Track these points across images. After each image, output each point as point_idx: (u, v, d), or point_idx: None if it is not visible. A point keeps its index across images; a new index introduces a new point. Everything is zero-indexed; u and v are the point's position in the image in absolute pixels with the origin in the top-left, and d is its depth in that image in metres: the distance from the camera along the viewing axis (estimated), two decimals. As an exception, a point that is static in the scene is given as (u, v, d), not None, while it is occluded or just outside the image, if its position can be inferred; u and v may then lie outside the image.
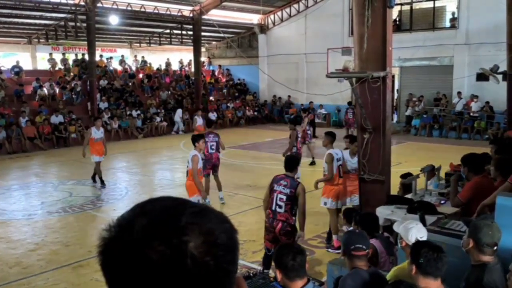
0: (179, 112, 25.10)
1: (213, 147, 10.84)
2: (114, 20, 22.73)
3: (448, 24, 23.29)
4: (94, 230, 8.98)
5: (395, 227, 4.42)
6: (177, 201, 0.89)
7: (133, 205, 0.90)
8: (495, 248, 3.41)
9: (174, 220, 0.83)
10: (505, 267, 3.48)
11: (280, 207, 6.05)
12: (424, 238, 4.06)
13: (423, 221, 5.15)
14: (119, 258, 0.81)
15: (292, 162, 6.28)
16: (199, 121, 17.22)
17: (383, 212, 6.30)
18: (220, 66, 32.49)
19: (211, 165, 10.81)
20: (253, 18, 28.99)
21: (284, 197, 6.04)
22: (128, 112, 23.30)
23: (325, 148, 8.16)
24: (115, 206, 10.77)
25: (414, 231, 4.09)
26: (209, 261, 0.81)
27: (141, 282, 0.80)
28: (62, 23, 22.50)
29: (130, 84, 26.60)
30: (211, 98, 28.75)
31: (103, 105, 23.35)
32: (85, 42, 22.63)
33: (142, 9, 23.48)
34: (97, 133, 12.51)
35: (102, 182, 12.68)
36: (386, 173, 7.22)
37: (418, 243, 3.56)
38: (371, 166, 7.25)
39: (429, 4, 23.16)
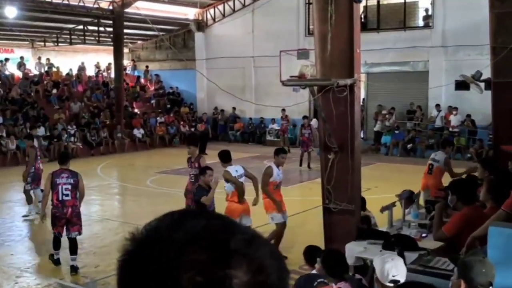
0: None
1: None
2: (11, 12, 22.07)
3: (421, 22, 24.25)
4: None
5: (375, 263, 4.49)
6: (224, 219, 0.88)
7: (166, 213, 0.89)
8: (490, 288, 3.51)
9: (220, 245, 0.81)
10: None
11: (67, 195, 8.73)
12: (399, 278, 4.13)
13: (402, 259, 5.25)
14: (141, 278, 0.81)
15: (64, 156, 9.64)
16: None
17: (353, 249, 6.37)
18: (147, 70, 32.23)
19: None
20: (189, 13, 29.04)
21: (70, 186, 8.77)
22: (29, 129, 22.55)
23: None
24: (13, 249, 10.40)
25: (388, 267, 4.16)
26: None
27: None
28: None
29: (32, 93, 25.86)
30: (135, 110, 28.43)
31: (-4, 120, 22.56)
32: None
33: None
34: (279, 174, 9.53)
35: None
36: (356, 201, 7.34)
37: (407, 285, 3.62)
38: (337, 193, 7.35)
39: (399, -1, 24.08)
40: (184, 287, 0.78)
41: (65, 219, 8.80)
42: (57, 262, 9.23)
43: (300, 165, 20.30)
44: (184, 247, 0.81)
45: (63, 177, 8.81)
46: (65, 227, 8.89)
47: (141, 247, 0.85)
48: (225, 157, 9.35)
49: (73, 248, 8.98)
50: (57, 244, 9.11)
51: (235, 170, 9.11)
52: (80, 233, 9.10)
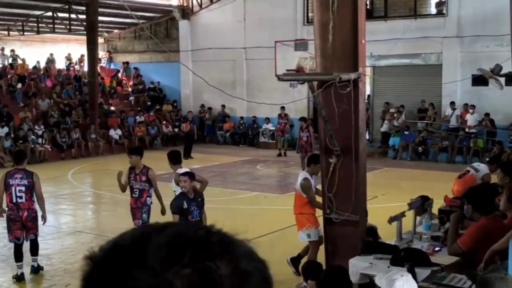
0: None
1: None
2: (-30, -3, 22.03)
3: (434, 10, 24.34)
4: None
5: (378, 281, 4.51)
6: (192, 221, 0.96)
7: (126, 231, 0.93)
8: (512, 309, 3.53)
9: (202, 238, 0.89)
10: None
11: (20, 198, 9.10)
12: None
13: (412, 276, 5.27)
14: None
15: (20, 155, 9.93)
16: None
17: (358, 265, 6.39)
18: (125, 63, 32.19)
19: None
20: (172, -2, 29.08)
21: (23, 188, 9.11)
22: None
23: None
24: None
25: (399, 284, 4.17)
26: None
27: None
28: None
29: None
30: (112, 108, 28.37)
31: (-47, 119, 22.48)
32: None
33: (12, -18, 22.97)
34: (314, 185, 9.27)
35: None
36: (361, 211, 7.35)
37: None
38: (340, 201, 7.37)
39: (409, -17, 24.15)
40: (170, 282, 0.83)
41: (20, 222, 9.22)
42: (20, 278, 9.29)
43: None
44: (161, 246, 0.86)
45: (17, 178, 9.17)
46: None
47: (105, 258, 0.88)
48: (175, 158, 9.67)
49: (34, 249, 9.50)
50: (18, 254, 9.31)
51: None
52: (36, 236, 9.48)
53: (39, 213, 9.53)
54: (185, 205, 8.10)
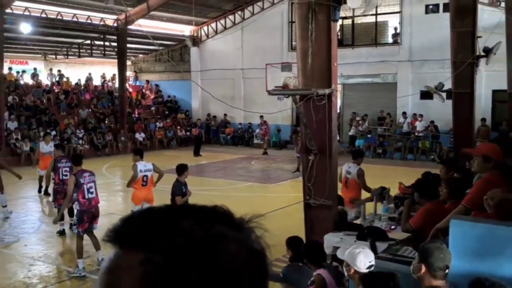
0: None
1: (91, 189, 8.65)
2: (25, 28, 21.93)
3: (390, 40, 24.43)
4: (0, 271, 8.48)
5: (339, 254, 4.52)
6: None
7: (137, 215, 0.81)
8: (447, 271, 3.54)
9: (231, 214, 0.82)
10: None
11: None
12: (373, 263, 4.20)
13: (373, 248, 5.30)
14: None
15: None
16: (45, 147, 14.54)
17: (331, 240, 6.40)
18: (147, 81, 32.14)
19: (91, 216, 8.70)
20: (185, 30, 29.02)
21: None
22: (41, 133, 22.39)
23: None
24: (27, 241, 10.29)
25: (362, 257, 4.19)
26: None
27: None
28: (-37, 30, 21.43)
29: (44, 101, 25.71)
30: (138, 116, 28.34)
31: (12, 124, 22.33)
32: (-9, 53, 21.62)
33: (59, 17, 22.85)
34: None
35: None
36: (333, 197, 7.37)
37: (370, 275, 3.65)
38: (317, 190, 7.38)
39: (371, 19, 24.18)
40: (249, 235, 0.79)
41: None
42: (62, 233, 10.38)
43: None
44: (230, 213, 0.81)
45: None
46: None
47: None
48: (140, 154, 9.97)
49: (70, 213, 10.18)
50: (60, 217, 9.85)
51: (144, 165, 9.70)
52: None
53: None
54: (184, 189, 8.87)
